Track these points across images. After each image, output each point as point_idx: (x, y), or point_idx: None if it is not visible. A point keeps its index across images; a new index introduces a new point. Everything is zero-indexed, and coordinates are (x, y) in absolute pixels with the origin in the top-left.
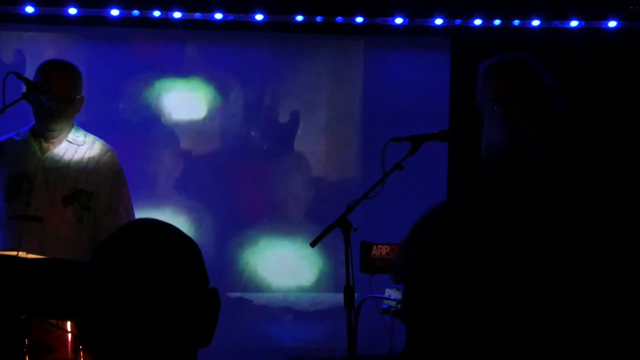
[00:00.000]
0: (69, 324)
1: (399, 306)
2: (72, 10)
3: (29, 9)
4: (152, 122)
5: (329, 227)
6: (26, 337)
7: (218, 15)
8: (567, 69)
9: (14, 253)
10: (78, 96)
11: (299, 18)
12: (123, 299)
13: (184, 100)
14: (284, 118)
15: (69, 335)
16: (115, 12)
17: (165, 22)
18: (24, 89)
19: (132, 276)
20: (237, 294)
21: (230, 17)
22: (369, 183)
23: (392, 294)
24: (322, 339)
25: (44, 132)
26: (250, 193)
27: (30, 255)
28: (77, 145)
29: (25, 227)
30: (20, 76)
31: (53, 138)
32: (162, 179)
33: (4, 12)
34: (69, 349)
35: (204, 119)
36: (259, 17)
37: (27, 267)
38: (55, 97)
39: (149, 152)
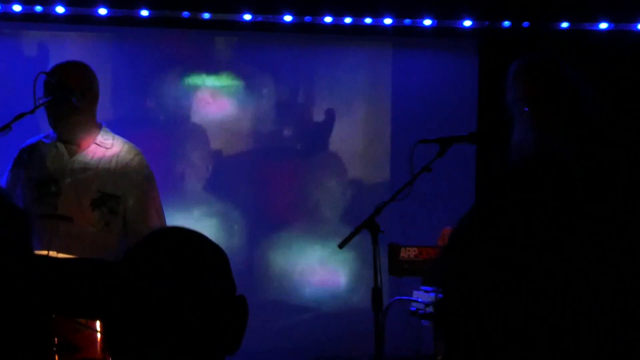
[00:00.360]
0: (98, 323)
1: (427, 309)
2: (102, 11)
3: (60, 9)
4: (181, 120)
5: (356, 228)
6: (55, 336)
7: (247, 17)
8: (594, 71)
9: (45, 252)
10: (79, 89)
11: (328, 19)
12: (151, 304)
13: (215, 99)
14: (313, 118)
15: (98, 334)
16: (145, 13)
17: (194, 22)
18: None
19: (161, 283)
20: (267, 298)
21: (259, 18)
22: (397, 185)
23: (420, 296)
24: (350, 341)
25: (70, 136)
26: (282, 194)
27: (60, 255)
28: (105, 148)
29: (55, 226)
30: (50, 75)
31: (80, 141)
32: (191, 179)
33: (34, 13)
34: (98, 348)
35: (235, 117)
36: (288, 18)
37: (57, 267)
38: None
39: (178, 151)
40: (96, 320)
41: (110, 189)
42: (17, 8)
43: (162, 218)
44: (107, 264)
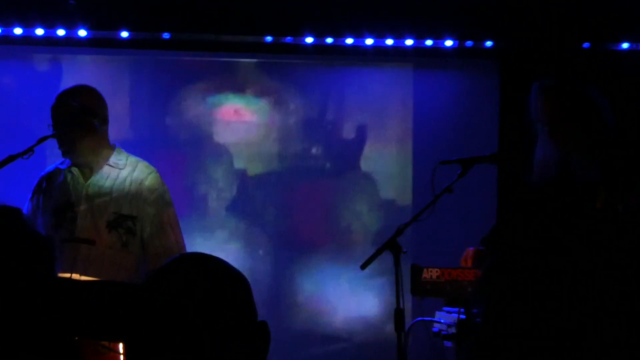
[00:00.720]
0: (120, 345)
1: (450, 330)
2: (124, 34)
3: (82, 33)
4: (203, 139)
5: (379, 249)
6: (78, 358)
7: (268, 38)
8: (616, 90)
9: (67, 275)
10: (99, 112)
11: (349, 41)
12: (172, 330)
13: (238, 117)
14: (335, 138)
15: (121, 357)
16: (166, 36)
17: (215, 44)
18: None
19: (182, 309)
20: (295, 326)
21: (281, 40)
22: (420, 206)
23: (443, 317)
24: None
25: (83, 160)
26: (305, 216)
27: (83, 278)
28: (119, 169)
29: (76, 250)
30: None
31: (94, 163)
32: (214, 200)
33: (57, 37)
34: None
35: (259, 136)
36: (309, 39)
37: (80, 289)
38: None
39: (200, 171)
40: (119, 342)
41: (126, 209)
42: (39, 32)
43: (178, 235)
44: (130, 287)
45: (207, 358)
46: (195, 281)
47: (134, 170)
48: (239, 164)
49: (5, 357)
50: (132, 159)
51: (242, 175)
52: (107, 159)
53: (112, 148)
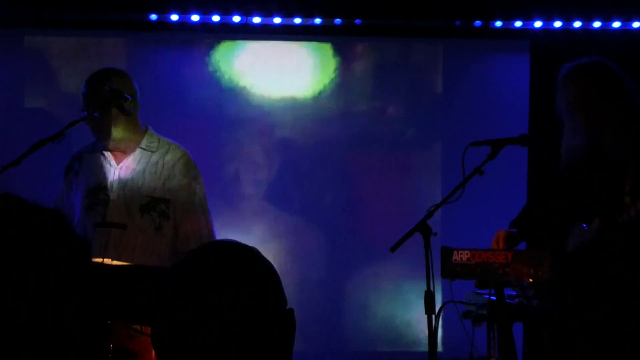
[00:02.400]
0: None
1: (480, 312)
2: (153, 17)
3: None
4: (238, 104)
5: (409, 232)
6: (111, 342)
7: (297, 20)
8: None
9: (99, 259)
10: (130, 95)
11: (379, 21)
12: (201, 316)
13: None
14: (364, 122)
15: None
16: (195, 18)
17: (244, 28)
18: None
19: (210, 295)
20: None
21: (310, 21)
22: (449, 188)
23: (473, 298)
24: (404, 343)
25: (115, 142)
26: (330, 194)
27: (115, 262)
28: (150, 152)
29: (108, 234)
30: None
31: (126, 146)
32: (250, 186)
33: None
34: (153, 354)
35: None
36: (339, 20)
37: (112, 274)
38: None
39: (233, 148)
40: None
41: (159, 192)
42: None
43: (208, 219)
44: (161, 271)
45: (234, 344)
46: (223, 268)
47: (166, 153)
48: (282, 133)
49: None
50: (164, 141)
51: (287, 147)
52: (139, 142)
53: (144, 130)
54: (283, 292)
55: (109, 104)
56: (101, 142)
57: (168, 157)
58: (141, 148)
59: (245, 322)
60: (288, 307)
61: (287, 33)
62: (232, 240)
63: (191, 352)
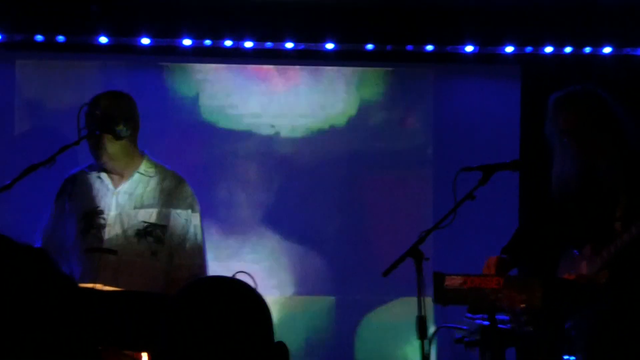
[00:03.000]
0: (144, 356)
1: (472, 337)
2: (145, 41)
3: (103, 40)
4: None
5: (400, 257)
6: None
7: (289, 45)
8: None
9: (91, 285)
10: (122, 119)
11: (369, 46)
12: (194, 349)
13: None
14: (354, 146)
15: None
16: (187, 42)
17: (236, 52)
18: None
19: (204, 330)
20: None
21: (302, 46)
22: (441, 213)
23: (466, 324)
24: None
25: (112, 165)
26: (322, 218)
27: (106, 288)
28: (149, 177)
29: (101, 260)
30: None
31: (124, 170)
32: (244, 209)
33: (79, 43)
34: None
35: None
36: (330, 45)
37: (104, 299)
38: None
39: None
40: (142, 352)
41: (156, 218)
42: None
43: (202, 246)
44: (153, 297)
45: None
46: (220, 304)
47: (164, 179)
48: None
49: None
50: (162, 167)
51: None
52: (137, 166)
53: (142, 156)
54: (272, 326)
55: (98, 128)
56: (98, 163)
57: (166, 183)
58: (139, 173)
59: (237, 353)
60: (278, 340)
61: (279, 57)
62: (225, 278)
63: None
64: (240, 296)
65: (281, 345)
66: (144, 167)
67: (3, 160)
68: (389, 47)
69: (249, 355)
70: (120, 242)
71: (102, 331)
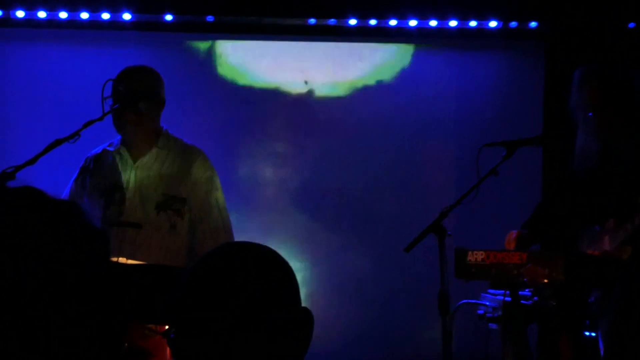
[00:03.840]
0: (167, 328)
1: (495, 313)
2: (168, 17)
3: (126, 16)
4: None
5: (423, 232)
6: (125, 341)
7: (311, 20)
8: None
9: (114, 259)
10: (145, 95)
11: (393, 22)
12: (217, 315)
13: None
14: (375, 124)
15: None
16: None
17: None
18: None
19: (226, 296)
20: (341, 300)
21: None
22: (463, 188)
23: (487, 299)
24: (418, 344)
25: (132, 141)
26: (339, 198)
27: (129, 261)
28: (167, 151)
29: (123, 233)
30: (117, 83)
31: (143, 145)
32: (273, 188)
33: (102, 20)
34: (168, 353)
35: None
36: (352, 21)
37: (127, 273)
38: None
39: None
40: (166, 325)
41: (175, 190)
42: (84, 15)
43: (226, 219)
44: (176, 270)
45: (250, 343)
46: (239, 268)
47: (183, 152)
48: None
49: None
50: (181, 141)
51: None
52: (156, 141)
53: (162, 131)
54: (298, 291)
55: (120, 102)
56: (120, 134)
57: (184, 156)
58: (158, 147)
59: (260, 320)
60: (303, 305)
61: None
62: (248, 242)
63: (206, 351)
64: (265, 260)
65: (306, 311)
66: (163, 141)
67: (27, 137)
68: (411, 23)
69: (273, 319)
70: (140, 215)
71: (125, 305)
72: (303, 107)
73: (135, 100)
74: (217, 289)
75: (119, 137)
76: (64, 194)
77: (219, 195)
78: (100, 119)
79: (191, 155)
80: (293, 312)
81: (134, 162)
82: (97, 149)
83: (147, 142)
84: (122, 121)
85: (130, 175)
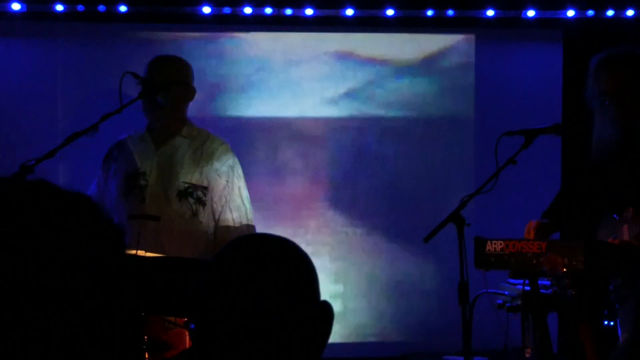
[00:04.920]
0: (187, 320)
1: (514, 302)
2: (206, 9)
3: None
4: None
5: (442, 222)
6: (145, 334)
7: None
8: None
9: (133, 252)
10: (177, 84)
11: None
12: (237, 308)
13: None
14: (392, 113)
15: (187, 332)
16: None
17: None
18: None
19: (246, 288)
20: (357, 291)
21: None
22: (482, 178)
23: (507, 289)
24: (438, 334)
25: (157, 128)
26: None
27: (148, 254)
28: (190, 140)
29: (143, 225)
30: (136, 75)
31: (166, 133)
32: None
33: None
34: (187, 345)
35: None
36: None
37: (146, 266)
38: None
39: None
40: (185, 318)
41: (197, 179)
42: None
43: (248, 209)
44: (195, 262)
45: (270, 336)
46: (260, 261)
47: (205, 141)
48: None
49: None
50: (204, 131)
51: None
52: (180, 129)
53: (186, 120)
54: (318, 285)
55: (141, 94)
56: (147, 119)
57: (207, 144)
58: (181, 136)
59: (280, 313)
60: (322, 299)
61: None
62: (270, 234)
63: (226, 342)
64: (287, 252)
65: (326, 305)
66: (187, 130)
67: (47, 131)
68: (430, 12)
69: (294, 311)
70: (162, 202)
71: (145, 297)
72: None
73: (166, 88)
74: (239, 281)
75: (142, 125)
76: (93, 183)
77: (242, 184)
78: (118, 111)
79: (213, 144)
80: (314, 305)
81: (157, 149)
82: (122, 136)
83: (172, 130)
84: (146, 109)
85: (152, 162)
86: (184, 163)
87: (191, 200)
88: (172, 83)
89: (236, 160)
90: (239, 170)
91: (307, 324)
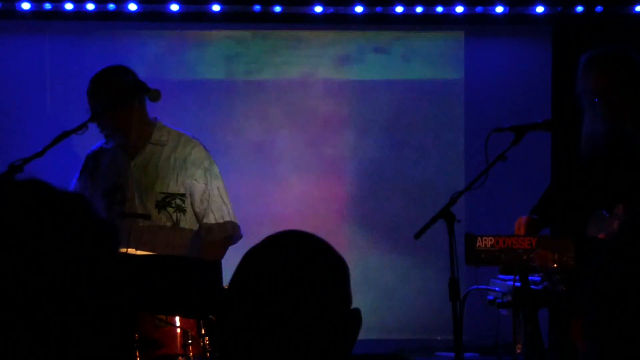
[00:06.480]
0: (177, 319)
1: (505, 298)
2: (175, 7)
3: (132, 7)
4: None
5: (432, 219)
6: (136, 332)
7: (318, 9)
8: None
9: (123, 250)
10: (117, 104)
11: (399, 9)
12: (263, 309)
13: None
14: (387, 109)
15: (178, 330)
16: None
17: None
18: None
19: (275, 288)
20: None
21: (331, 10)
22: (472, 174)
23: (498, 285)
24: (429, 330)
25: (124, 143)
26: (359, 183)
27: (139, 252)
28: (161, 146)
29: (132, 224)
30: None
31: (136, 143)
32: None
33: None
34: (178, 344)
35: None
36: (359, 9)
37: (137, 264)
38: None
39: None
40: (175, 316)
41: (174, 187)
42: (90, 7)
43: (229, 207)
44: (185, 260)
45: (295, 339)
46: (290, 260)
47: (177, 145)
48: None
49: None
50: (174, 133)
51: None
52: (149, 136)
53: (153, 123)
54: (349, 291)
55: (106, 106)
56: (111, 141)
57: (179, 150)
58: (151, 143)
59: (308, 316)
60: (354, 307)
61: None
62: (306, 234)
63: (253, 340)
64: (322, 256)
65: (355, 312)
66: (156, 135)
67: (36, 129)
68: (418, 10)
69: (325, 314)
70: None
71: (136, 295)
72: (314, 96)
73: (94, 118)
74: (270, 280)
75: None
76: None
77: (219, 183)
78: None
79: (186, 149)
80: (344, 312)
81: (129, 161)
82: (95, 146)
83: (140, 138)
84: (105, 131)
85: (127, 176)
86: (158, 173)
87: (170, 209)
88: (111, 104)
89: (211, 159)
90: (215, 170)
91: (337, 329)
